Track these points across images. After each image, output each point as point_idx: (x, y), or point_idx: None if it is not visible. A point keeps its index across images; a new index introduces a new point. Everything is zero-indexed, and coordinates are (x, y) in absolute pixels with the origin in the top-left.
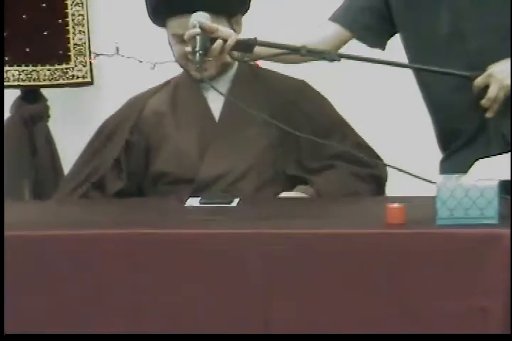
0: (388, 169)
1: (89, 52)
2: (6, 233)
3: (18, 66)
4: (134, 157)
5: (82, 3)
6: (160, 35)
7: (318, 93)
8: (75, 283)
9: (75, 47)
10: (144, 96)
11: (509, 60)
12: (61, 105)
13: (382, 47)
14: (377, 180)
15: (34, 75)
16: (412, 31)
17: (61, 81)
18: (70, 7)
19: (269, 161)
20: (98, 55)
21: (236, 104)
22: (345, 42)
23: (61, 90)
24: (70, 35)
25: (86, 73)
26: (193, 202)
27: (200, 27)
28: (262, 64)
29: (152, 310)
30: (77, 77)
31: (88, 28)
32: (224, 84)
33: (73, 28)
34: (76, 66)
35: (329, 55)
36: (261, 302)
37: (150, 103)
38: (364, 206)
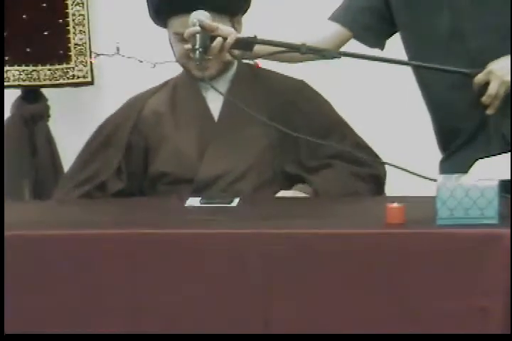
0: (387, 169)
1: (90, 52)
2: (6, 233)
3: (18, 66)
4: (133, 157)
5: (82, 3)
6: (160, 35)
7: (317, 93)
8: (75, 283)
9: (75, 47)
10: (143, 96)
11: (509, 56)
12: (61, 105)
13: (382, 47)
14: (376, 180)
15: (34, 75)
16: (413, 31)
17: (61, 81)
18: (70, 7)
19: (269, 161)
20: (98, 54)
21: (235, 104)
22: (345, 42)
23: (61, 90)
24: (71, 35)
25: (86, 73)
26: (193, 202)
27: (200, 25)
28: (262, 63)
29: (152, 310)
30: (78, 77)
31: (89, 27)
32: (223, 84)
33: (74, 27)
34: (76, 66)
35: (329, 52)
36: (261, 302)
37: (149, 103)
38: (364, 206)
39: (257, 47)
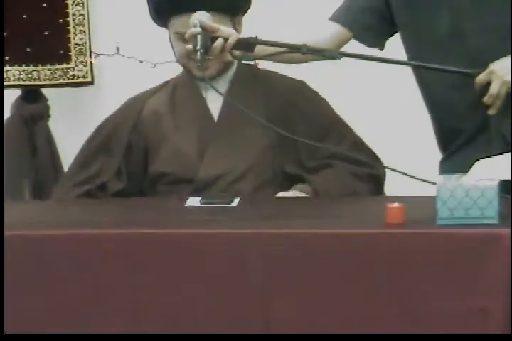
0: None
1: (90, 52)
2: (6, 233)
3: (18, 66)
4: (133, 158)
5: (82, 3)
6: (160, 35)
7: (316, 93)
8: (75, 283)
9: (75, 47)
10: (143, 96)
11: (510, 56)
12: (62, 105)
13: (381, 47)
14: (376, 180)
15: (35, 75)
16: (413, 31)
17: (62, 81)
18: (70, 7)
19: (268, 161)
20: (99, 54)
21: (234, 105)
22: (345, 42)
23: (61, 90)
24: (71, 35)
25: (86, 73)
26: (194, 202)
27: (200, 26)
28: (262, 63)
29: (152, 310)
30: (78, 77)
31: (89, 27)
32: (223, 84)
33: (74, 27)
34: (77, 66)
35: (329, 53)
36: (261, 302)
37: (149, 103)
38: (364, 206)
39: (258, 48)
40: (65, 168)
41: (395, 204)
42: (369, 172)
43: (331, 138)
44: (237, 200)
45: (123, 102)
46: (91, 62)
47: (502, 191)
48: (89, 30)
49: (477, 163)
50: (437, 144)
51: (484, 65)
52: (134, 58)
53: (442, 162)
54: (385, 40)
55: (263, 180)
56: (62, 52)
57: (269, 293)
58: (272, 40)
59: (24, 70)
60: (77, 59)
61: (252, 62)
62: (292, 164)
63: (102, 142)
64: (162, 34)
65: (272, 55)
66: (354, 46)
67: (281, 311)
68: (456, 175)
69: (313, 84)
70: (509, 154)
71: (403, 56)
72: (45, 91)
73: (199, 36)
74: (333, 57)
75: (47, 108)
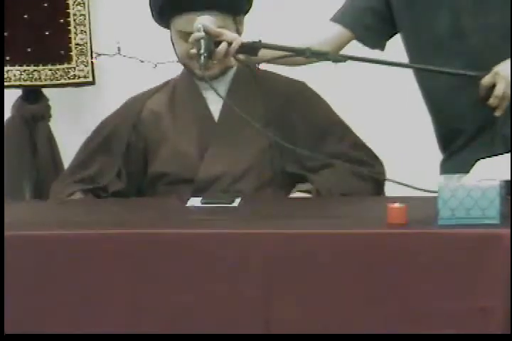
0: (387, 169)
1: (91, 52)
2: (6, 233)
3: (19, 66)
4: (133, 158)
5: (83, 3)
6: (162, 35)
7: (316, 94)
8: (75, 283)
9: (76, 47)
10: (143, 97)
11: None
12: (62, 105)
13: (382, 47)
14: (377, 180)
15: (35, 75)
16: (413, 31)
17: (63, 81)
18: (71, 7)
19: (268, 161)
20: (100, 54)
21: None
22: (346, 43)
23: (62, 90)
24: (72, 35)
25: (87, 73)
26: (194, 202)
27: (204, 30)
28: (263, 64)
29: (152, 310)
30: (79, 77)
31: (90, 27)
32: (223, 84)
33: (75, 27)
34: (78, 66)
35: (334, 56)
36: (261, 302)
37: (148, 104)
38: (365, 206)
39: (262, 52)
40: (66, 168)
41: (396, 205)
42: (370, 171)
43: (331, 138)
44: (238, 200)
45: (123, 102)
46: (92, 62)
47: (505, 191)
48: (90, 30)
49: (478, 163)
50: (438, 145)
51: (484, 65)
52: (135, 58)
53: (443, 162)
54: (386, 40)
55: (263, 180)
56: (63, 52)
57: (269, 293)
58: (276, 43)
59: (25, 70)
60: (78, 59)
61: (257, 66)
62: (292, 164)
63: (101, 142)
64: (163, 34)
65: (275, 59)
66: (354, 46)
67: (281, 311)
68: (457, 175)
69: (312, 84)
70: (509, 154)
71: (403, 56)
72: (46, 91)
73: (203, 40)
74: (337, 61)
75: (48, 108)
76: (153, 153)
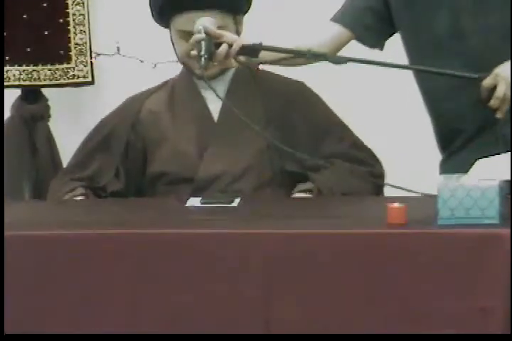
0: (387, 169)
1: (90, 51)
2: (6, 233)
3: (18, 66)
4: (131, 158)
5: (83, 3)
6: (161, 35)
7: (315, 94)
8: (75, 283)
9: (75, 47)
10: (141, 96)
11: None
12: (62, 105)
13: (381, 47)
14: (377, 179)
15: (35, 75)
16: (412, 31)
17: (62, 81)
18: (70, 7)
19: (268, 161)
20: (99, 54)
21: (234, 106)
22: (346, 43)
23: (62, 90)
24: (71, 35)
25: (87, 73)
26: (194, 202)
27: (205, 32)
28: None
29: (152, 310)
30: (78, 77)
31: (89, 27)
32: (223, 83)
33: (74, 27)
34: (77, 66)
35: (335, 58)
36: (261, 302)
37: (147, 103)
38: (365, 206)
39: (262, 53)
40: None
41: (396, 204)
42: (369, 171)
43: (331, 138)
44: (237, 200)
45: (121, 102)
46: (91, 62)
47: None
48: (89, 30)
49: (477, 162)
50: (437, 145)
51: (484, 66)
52: (135, 58)
53: (442, 163)
54: (385, 40)
55: (263, 180)
56: (62, 52)
57: (269, 293)
58: (276, 45)
59: (24, 70)
60: (78, 59)
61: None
62: (292, 163)
63: (100, 141)
64: (162, 34)
65: (276, 61)
66: (353, 46)
67: (281, 311)
68: (457, 175)
69: (312, 84)
70: (509, 154)
71: (403, 56)
72: (45, 91)
73: (203, 42)
74: (338, 62)
75: (47, 108)
76: (152, 153)
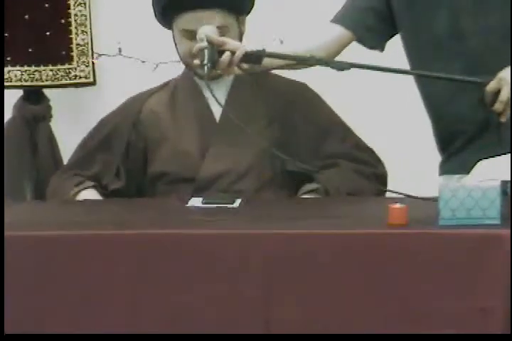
0: (388, 170)
1: (92, 52)
2: (7, 233)
3: (20, 66)
4: (132, 157)
5: (84, 4)
6: (163, 35)
7: (317, 95)
8: (75, 283)
9: (77, 48)
10: (142, 96)
11: None
12: (63, 105)
13: (382, 48)
14: (380, 179)
15: (36, 75)
16: (412, 31)
17: (64, 81)
18: (72, 7)
19: (269, 161)
20: (101, 55)
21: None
22: (347, 44)
23: (63, 90)
24: (73, 36)
25: (88, 73)
26: (195, 202)
27: (207, 40)
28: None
29: (152, 310)
30: (80, 78)
31: (91, 28)
32: (225, 84)
33: (76, 28)
34: (79, 66)
35: (338, 64)
36: (261, 302)
37: (148, 103)
38: (365, 206)
39: (266, 60)
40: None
41: (397, 205)
42: (373, 171)
43: (333, 138)
44: (238, 201)
45: (122, 102)
46: (93, 63)
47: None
48: (91, 30)
49: (479, 163)
50: (436, 146)
51: (484, 66)
52: (136, 59)
53: (442, 164)
54: (386, 41)
55: (264, 180)
56: (64, 52)
57: (269, 293)
58: (279, 50)
59: (26, 71)
60: (79, 59)
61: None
62: (294, 163)
63: (101, 141)
64: (164, 35)
65: (279, 67)
66: (352, 47)
67: (281, 311)
68: (458, 176)
69: (313, 85)
70: (509, 154)
71: (402, 56)
72: (46, 91)
73: (206, 51)
74: (342, 69)
75: (49, 108)
76: (153, 153)
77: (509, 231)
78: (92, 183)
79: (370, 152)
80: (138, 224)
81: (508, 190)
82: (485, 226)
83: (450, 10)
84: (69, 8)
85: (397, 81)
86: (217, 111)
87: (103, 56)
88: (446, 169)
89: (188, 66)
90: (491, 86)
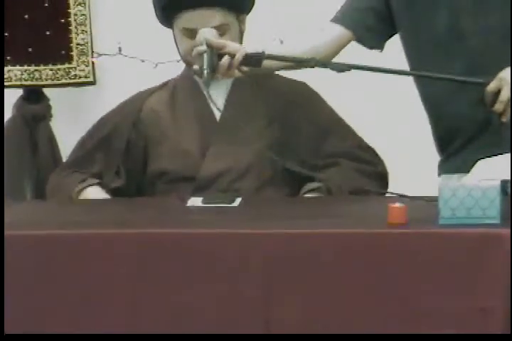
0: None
1: (92, 52)
2: (7, 232)
3: (20, 66)
4: (132, 156)
5: (84, 3)
6: (162, 35)
7: (317, 94)
8: (75, 284)
9: (77, 47)
10: (142, 95)
11: None
12: (63, 105)
13: (381, 48)
14: (382, 178)
15: (36, 75)
16: (412, 31)
17: (63, 81)
18: (72, 7)
19: (269, 160)
20: (100, 54)
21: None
22: (346, 44)
23: (63, 90)
24: (73, 35)
25: (88, 73)
26: (195, 201)
27: (207, 44)
28: None
29: (152, 310)
30: (80, 77)
31: (91, 27)
32: (224, 83)
33: (76, 27)
34: (78, 66)
35: (338, 66)
36: (261, 302)
37: (148, 102)
38: (365, 205)
39: (266, 62)
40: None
41: (397, 204)
42: (375, 170)
43: (334, 137)
44: (238, 200)
45: (122, 101)
46: (93, 62)
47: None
48: (91, 30)
49: (478, 162)
50: (435, 146)
51: (484, 66)
52: (136, 58)
53: (441, 164)
54: (385, 41)
55: (264, 179)
56: (64, 52)
57: (269, 293)
58: (280, 54)
59: (26, 70)
60: (79, 59)
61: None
62: (295, 163)
63: (101, 140)
64: (164, 34)
65: (279, 69)
66: (352, 47)
67: (281, 311)
68: (458, 175)
69: (312, 84)
70: (509, 153)
71: (402, 56)
72: (46, 91)
73: (205, 55)
74: (341, 70)
75: (49, 108)
76: (153, 151)
77: (509, 230)
78: (96, 180)
79: (372, 151)
80: (138, 223)
81: (508, 189)
82: (485, 225)
83: (450, 10)
84: (69, 8)
85: (397, 81)
86: (217, 110)
87: (103, 56)
88: (445, 169)
89: (189, 65)
90: (491, 86)
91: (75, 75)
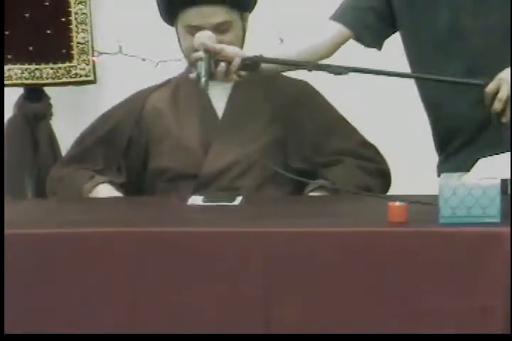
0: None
1: (92, 50)
2: (7, 231)
3: (21, 64)
4: (134, 153)
5: (85, 2)
6: (164, 33)
7: (319, 93)
8: (75, 283)
9: (78, 46)
10: (145, 93)
11: None
12: (64, 103)
13: (380, 47)
14: (385, 175)
15: (37, 74)
16: (412, 30)
17: (64, 79)
18: (73, 5)
19: (272, 157)
20: (101, 53)
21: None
22: (344, 42)
23: (64, 88)
24: (73, 34)
25: (89, 72)
26: (195, 200)
27: (204, 49)
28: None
29: (152, 309)
30: (80, 76)
31: (91, 26)
32: (226, 84)
33: (76, 26)
34: (79, 64)
35: (336, 68)
36: (261, 302)
37: (150, 100)
38: (365, 204)
39: (263, 65)
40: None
41: (397, 203)
42: (378, 167)
43: (337, 135)
44: (239, 199)
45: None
46: (93, 61)
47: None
48: (91, 28)
49: (479, 161)
50: (434, 146)
51: (484, 66)
52: (137, 57)
53: (440, 164)
54: (384, 40)
55: (266, 177)
56: (64, 50)
57: (269, 293)
58: (277, 57)
59: (26, 69)
60: (80, 58)
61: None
62: (297, 160)
63: (102, 136)
64: (165, 33)
65: (277, 72)
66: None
67: (281, 311)
68: (458, 174)
69: (312, 83)
70: (509, 152)
71: (402, 56)
72: (47, 89)
73: (203, 62)
74: (339, 73)
75: (49, 107)
76: (155, 149)
77: (509, 229)
78: (106, 178)
79: (374, 149)
80: (138, 222)
81: (508, 188)
82: (485, 224)
83: (450, 9)
84: (69, 7)
85: (396, 81)
86: (219, 108)
87: (103, 54)
88: (444, 169)
89: (191, 62)
90: (491, 87)
91: (76, 74)
